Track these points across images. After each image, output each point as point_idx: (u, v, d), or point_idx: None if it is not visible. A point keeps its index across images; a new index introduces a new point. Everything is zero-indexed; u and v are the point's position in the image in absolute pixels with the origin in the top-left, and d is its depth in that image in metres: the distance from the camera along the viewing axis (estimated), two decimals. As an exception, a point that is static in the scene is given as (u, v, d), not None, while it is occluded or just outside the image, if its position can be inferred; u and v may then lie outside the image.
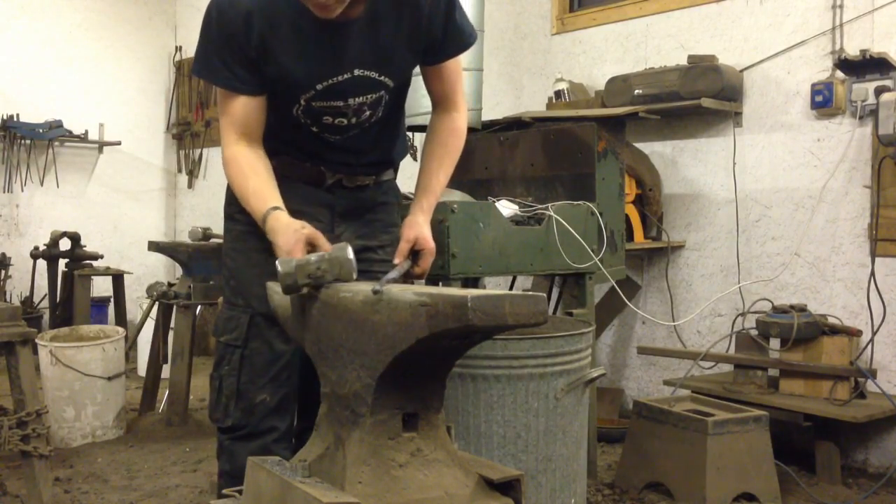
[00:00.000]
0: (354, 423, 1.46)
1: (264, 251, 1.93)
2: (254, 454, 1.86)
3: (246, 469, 1.59)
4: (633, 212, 3.93)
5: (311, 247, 1.72)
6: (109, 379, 3.89)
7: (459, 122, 2.07)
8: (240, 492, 1.63)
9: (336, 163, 2.03)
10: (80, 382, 3.82)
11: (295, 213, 1.91)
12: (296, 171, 2.01)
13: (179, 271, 5.03)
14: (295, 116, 1.94)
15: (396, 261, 1.88)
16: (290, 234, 1.74)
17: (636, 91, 3.91)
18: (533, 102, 4.66)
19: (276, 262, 1.63)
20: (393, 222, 2.14)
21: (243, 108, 1.90)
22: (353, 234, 2.06)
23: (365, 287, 1.52)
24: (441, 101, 2.07)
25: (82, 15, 6.68)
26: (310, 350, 1.63)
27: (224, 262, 2.11)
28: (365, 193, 2.09)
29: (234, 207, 2.02)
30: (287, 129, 1.97)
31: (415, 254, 1.91)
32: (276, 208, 1.82)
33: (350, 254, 1.59)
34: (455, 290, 1.40)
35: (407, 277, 1.88)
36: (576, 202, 3.13)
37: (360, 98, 1.92)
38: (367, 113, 1.96)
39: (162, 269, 6.94)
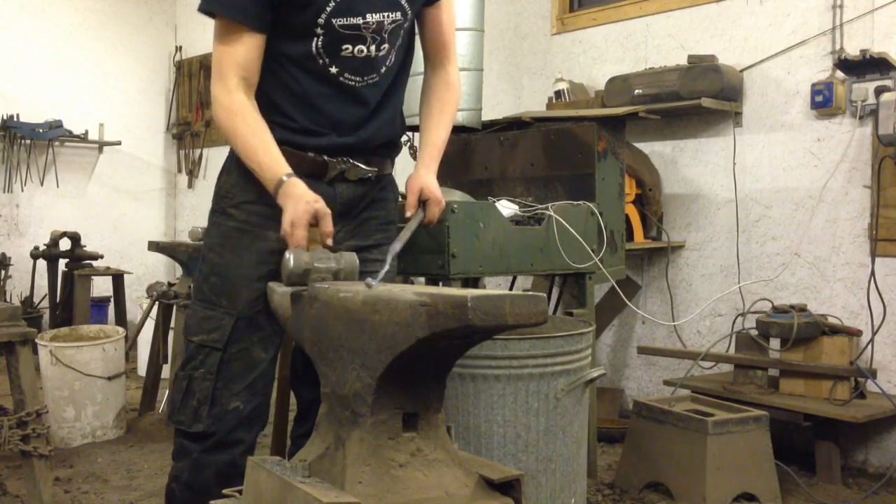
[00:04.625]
0: (354, 423, 1.46)
1: (257, 251, 1.92)
2: (221, 469, 1.85)
3: (246, 469, 1.59)
4: (633, 212, 3.93)
5: (315, 221, 1.72)
6: (109, 379, 3.89)
7: (454, 75, 2.08)
8: (240, 492, 1.63)
9: (343, 145, 1.95)
10: (80, 382, 3.82)
11: None
12: (298, 162, 1.89)
13: (179, 271, 5.03)
14: (314, 56, 1.87)
15: (408, 213, 1.90)
16: (302, 203, 1.71)
17: (636, 91, 3.91)
18: (533, 102, 4.66)
19: (286, 254, 1.63)
20: (389, 220, 2.10)
21: (246, 47, 1.83)
22: (348, 233, 2.01)
23: (365, 287, 1.52)
24: (436, 53, 2.07)
25: (82, 15, 6.68)
26: (310, 350, 1.63)
27: (207, 257, 2.00)
28: (365, 188, 2.02)
29: (228, 201, 1.95)
30: (306, 80, 1.89)
31: (423, 204, 1.92)
32: (291, 174, 1.78)
33: (356, 260, 1.65)
34: (455, 290, 1.40)
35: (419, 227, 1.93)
36: (576, 202, 3.12)
37: (378, 16, 1.87)
38: (386, 46, 1.92)
39: (162, 269, 6.94)
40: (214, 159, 6.91)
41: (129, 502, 3.14)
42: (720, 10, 3.97)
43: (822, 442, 3.32)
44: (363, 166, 1.98)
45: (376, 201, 2.06)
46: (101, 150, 6.75)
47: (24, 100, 6.30)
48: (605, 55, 4.41)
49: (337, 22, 1.85)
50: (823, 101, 3.56)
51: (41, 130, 6.24)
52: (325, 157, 1.94)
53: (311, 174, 1.92)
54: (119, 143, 6.77)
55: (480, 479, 1.53)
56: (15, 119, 6.14)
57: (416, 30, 2.07)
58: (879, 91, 3.33)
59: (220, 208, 2.00)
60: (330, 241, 1.75)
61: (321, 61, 1.88)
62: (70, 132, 6.41)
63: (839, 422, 3.21)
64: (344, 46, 1.88)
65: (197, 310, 1.97)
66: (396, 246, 1.80)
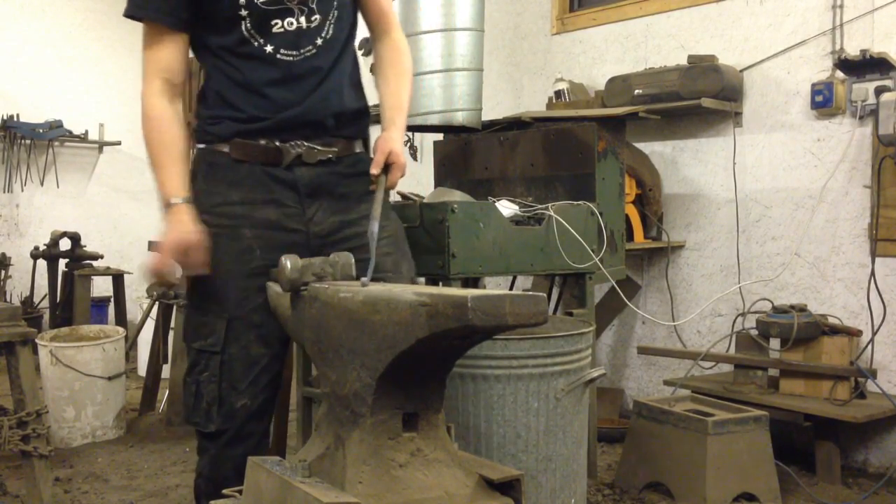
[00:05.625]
0: (354, 423, 1.46)
1: (236, 251, 1.93)
2: (238, 462, 1.87)
3: (246, 469, 1.59)
4: (633, 212, 3.93)
5: (185, 253, 1.84)
6: (109, 379, 3.89)
7: (401, 41, 2.09)
8: (240, 492, 1.63)
9: (287, 121, 1.94)
10: (80, 382, 3.82)
11: (260, 203, 1.92)
12: (250, 152, 1.93)
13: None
14: (248, 39, 1.89)
15: (373, 170, 1.90)
16: (176, 233, 1.86)
17: (636, 91, 3.91)
18: (533, 102, 4.66)
19: (282, 259, 1.63)
20: (367, 191, 2.02)
21: (167, 47, 1.90)
22: (328, 211, 1.98)
23: (365, 287, 1.52)
24: (377, 23, 2.08)
25: (82, 15, 6.69)
26: (310, 350, 1.63)
27: None
28: (329, 169, 1.99)
29: (198, 207, 1.95)
30: (244, 67, 1.91)
31: (385, 168, 1.92)
32: (185, 202, 1.88)
33: (352, 259, 1.65)
34: (455, 290, 1.40)
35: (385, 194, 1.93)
36: (576, 202, 3.12)
37: None
38: (317, 17, 1.93)
39: (162, 270, 6.93)
40: (214, 159, 6.91)
41: (129, 502, 3.14)
42: (720, 10, 3.97)
43: (822, 442, 3.32)
44: (320, 148, 1.97)
45: (349, 176, 2.02)
46: (101, 150, 6.75)
47: (24, 100, 6.30)
48: (605, 55, 4.41)
49: (260, 0, 1.88)
50: (823, 101, 3.56)
51: (41, 130, 6.25)
52: (278, 143, 1.94)
53: (267, 162, 1.94)
54: (119, 143, 6.77)
55: (480, 479, 1.53)
56: (15, 119, 6.14)
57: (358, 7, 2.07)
58: (879, 91, 3.32)
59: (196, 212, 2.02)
60: (200, 271, 1.88)
61: (255, 43, 1.91)
62: (70, 132, 6.41)
63: (839, 422, 3.21)
64: (273, 22, 1.90)
65: (191, 316, 2.01)
66: (374, 226, 1.79)
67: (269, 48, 1.91)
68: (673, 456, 3.01)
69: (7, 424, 2.72)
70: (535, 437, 2.46)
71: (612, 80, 4.05)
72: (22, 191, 6.32)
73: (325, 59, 1.97)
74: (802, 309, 3.38)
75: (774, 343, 3.44)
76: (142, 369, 5.05)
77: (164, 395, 4.32)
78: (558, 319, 2.83)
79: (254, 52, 1.91)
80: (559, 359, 2.49)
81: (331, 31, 1.97)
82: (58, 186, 6.51)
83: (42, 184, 6.40)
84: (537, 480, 2.46)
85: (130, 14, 1.92)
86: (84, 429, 3.86)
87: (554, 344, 2.48)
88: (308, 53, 1.94)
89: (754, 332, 3.50)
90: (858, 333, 3.36)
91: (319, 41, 1.95)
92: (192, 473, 3.44)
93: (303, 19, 1.92)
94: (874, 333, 3.39)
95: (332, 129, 2.00)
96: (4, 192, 6.23)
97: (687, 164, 4.09)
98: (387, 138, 1.95)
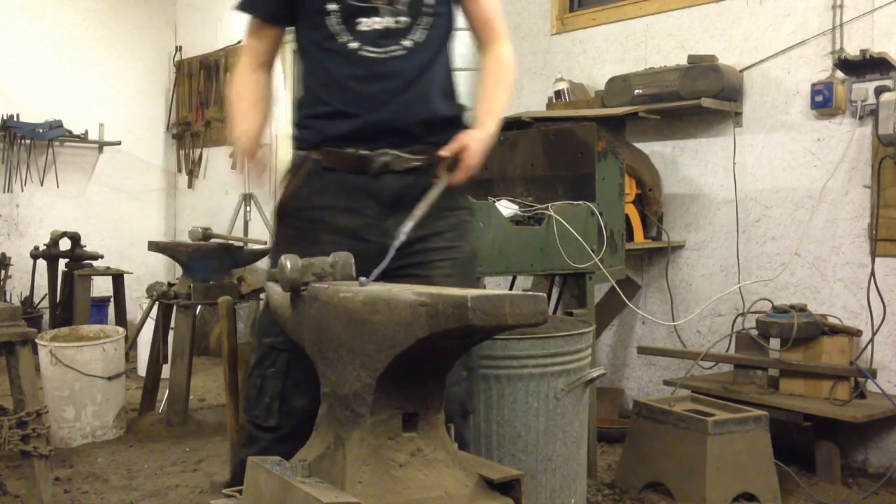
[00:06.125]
0: (354, 423, 1.46)
1: (314, 256, 1.95)
2: (284, 457, 1.88)
3: (246, 469, 1.59)
4: (633, 212, 3.93)
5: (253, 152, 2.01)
6: (109, 379, 3.89)
7: (505, 52, 2.10)
8: (240, 492, 1.63)
9: (376, 126, 1.96)
10: (80, 382, 3.82)
11: (341, 210, 1.95)
12: (338, 160, 1.97)
13: (179, 271, 5.03)
14: (333, 35, 1.95)
15: (442, 153, 1.92)
16: (244, 145, 2.01)
17: (636, 91, 3.91)
18: (533, 102, 4.66)
19: (282, 258, 1.63)
20: (452, 206, 2.03)
21: (259, 36, 2.09)
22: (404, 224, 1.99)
23: (365, 287, 1.52)
24: (482, 34, 2.10)
25: (82, 15, 6.68)
26: (310, 350, 1.63)
27: (271, 263, 2.09)
28: (416, 177, 1.97)
29: (283, 209, 2.03)
30: (330, 62, 1.97)
31: (452, 163, 1.92)
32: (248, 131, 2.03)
33: (351, 259, 1.65)
34: (455, 290, 1.40)
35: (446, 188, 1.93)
36: (576, 202, 3.13)
37: None
38: (405, 19, 1.95)
39: (162, 269, 6.94)
40: (214, 159, 6.91)
41: (129, 502, 3.14)
42: (720, 10, 3.97)
43: (822, 442, 3.32)
44: (408, 156, 1.97)
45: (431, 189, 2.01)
46: (101, 150, 6.75)
47: (24, 100, 6.30)
48: (605, 55, 4.41)
49: None
50: (823, 101, 3.56)
51: (41, 130, 6.24)
52: (365, 152, 1.96)
53: (354, 170, 1.96)
54: (119, 143, 6.77)
55: (480, 479, 1.53)
56: (15, 119, 6.14)
57: (465, 20, 2.10)
58: (879, 91, 3.32)
59: (279, 217, 2.08)
60: (257, 181, 2.07)
61: (341, 39, 1.96)
62: (70, 132, 6.41)
63: (839, 422, 3.21)
64: (359, 19, 1.95)
65: (266, 312, 2.03)
66: (407, 225, 1.79)
67: (353, 45, 1.96)
68: (673, 456, 3.01)
69: (7, 424, 2.72)
70: (535, 437, 2.46)
71: (611, 80, 4.05)
72: (22, 191, 6.32)
73: (413, 62, 1.98)
74: (802, 309, 3.38)
75: (774, 343, 3.44)
76: (142, 369, 5.04)
77: (164, 395, 4.32)
78: (558, 319, 2.83)
79: (339, 48, 1.96)
80: (559, 359, 2.49)
81: (421, 36, 1.98)
82: (58, 186, 6.50)
83: (42, 184, 6.40)
84: (537, 480, 2.46)
85: (237, 6, 2.12)
86: (84, 429, 3.86)
87: (554, 344, 2.48)
88: (394, 53, 1.96)
89: (754, 332, 3.50)
90: (858, 333, 3.36)
91: (407, 43, 1.97)
92: (192, 473, 3.46)
93: (389, 19, 1.95)
94: (874, 333, 3.39)
95: (421, 137, 1.99)
96: (4, 192, 6.22)
97: (687, 164, 4.09)
98: (469, 133, 1.94)
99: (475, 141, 1.92)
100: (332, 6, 1.94)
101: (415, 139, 1.98)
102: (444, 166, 1.90)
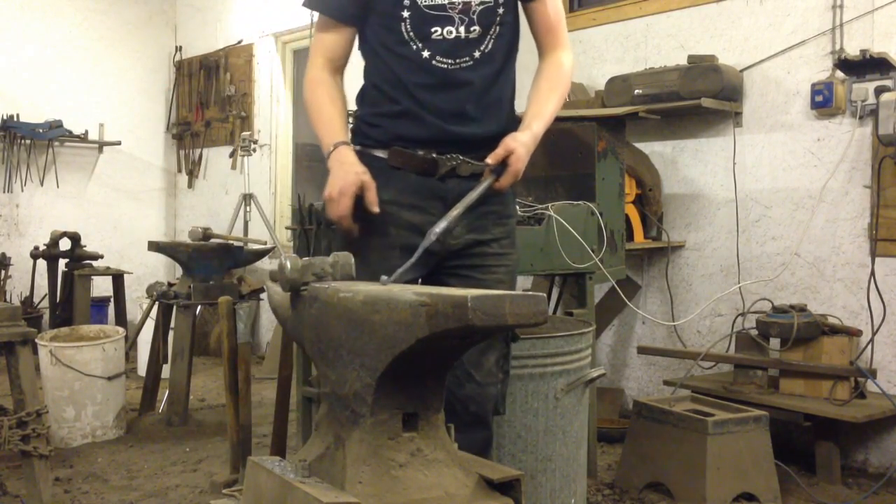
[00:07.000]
0: (354, 423, 1.46)
1: (382, 248, 1.96)
2: None
3: (246, 469, 1.59)
4: (633, 212, 3.93)
5: (359, 192, 1.85)
6: (109, 379, 3.89)
7: (566, 60, 2.09)
8: (240, 492, 1.63)
9: (451, 137, 1.97)
10: (80, 382, 3.82)
11: (407, 206, 1.95)
12: (407, 161, 1.97)
13: (179, 271, 5.03)
14: (406, 41, 1.94)
15: (488, 160, 1.91)
16: (350, 172, 1.86)
17: (636, 91, 3.91)
18: (533, 102, 4.65)
19: (281, 259, 1.63)
20: (508, 213, 2.09)
21: (333, 37, 2.02)
22: (466, 227, 1.99)
23: (364, 287, 1.52)
24: (544, 40, 2.09)
25: (82, 15, 6.68)
26: (310, 350, 1.63)
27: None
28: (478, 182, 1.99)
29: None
30: (400, 66, 1.96)
31: (500, 168, 1.92)
32: (345, 143, 1.93)
33: (351, 259, 1.64)
34: (455, 290, 1.40)
35: (489, 191, 1.93)
36: (576, 202, 3.12)
37: None
38: (476, 28, 1.95)
39: (162, 269, 6.94)
40: (214, 159, 6.91)
41: (129, 502, 3.14)
42: (720, 10, 3.97)
43: (822, 442, 3.32)
44: (474, 162, 1.99)
45: (493, 195, 2.02)
46: (101, 150, 6.75)
47: (24, 100, 6.30)
48: (605, 55, 4.41)
49: (422, 2, 1.92)
50: (823, 101, 3.56)
51: (41, 130, 6.24)
52: (435, 155, 1.98)
53: (422, 171, 1.98)
54: (119, 143, 6.77)
55: (480, 479, 1.53)
56: (15, 119, 6.14)
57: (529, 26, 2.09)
58: (879, 91, 3.32)
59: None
60: (376, 209, 1.88)
61: (414, 46, 1.95)
62: (70, 132, 6.41)
63: (839, 422, 3.21)
64: (433, 29, 1.94)
65: None
66: (440, 225, 1.81)
67: (425, 53, 1.95)
68: (673, 456, 3.01)
69: (7, 424, 2.72)
70: (535, 437, 2.46)
71: (612, 80, 4.05)
72: (22, 191, 6.32)
73: (482, 72, 1.99)
74: (802, 309, 3.38)
75: (774, 343, 3.44)
76: (142, 369, 5.05)
77: (164, 395, 4.32)
78: (558, 319, 2.83)
79: (411, 55, 1.96)
80: (559, 359, 2.49)
81: (490, 46, 1.99)
82: (58, 186, 6.51)
83: (42, 184, 6.40)
84: (537, 480, 2.46)
85: (306, 5, 2.07)
86: (84, 429, 3.86)
87: (554, 344, 2.48)
88: (465, 64, 1.97)
89: (754, 332, 3.50)
90: (858, 333, 3.36)
91: (477, 54, 1.98)
92: (192, 473, 3.46)
93: (462, 29, 1.95)
94: (874, 333, 3.39)
95: (488, 145, 1.99)
96: (4, 192, 6.22)
97: (687, 164, 4.09)
98: (515, 136, 1.94)
99: (521, 146, 1.93)
100: (406, 13, 1.94)
101: (482, 147, 1.99)
102: (490, 171, 1.91)
